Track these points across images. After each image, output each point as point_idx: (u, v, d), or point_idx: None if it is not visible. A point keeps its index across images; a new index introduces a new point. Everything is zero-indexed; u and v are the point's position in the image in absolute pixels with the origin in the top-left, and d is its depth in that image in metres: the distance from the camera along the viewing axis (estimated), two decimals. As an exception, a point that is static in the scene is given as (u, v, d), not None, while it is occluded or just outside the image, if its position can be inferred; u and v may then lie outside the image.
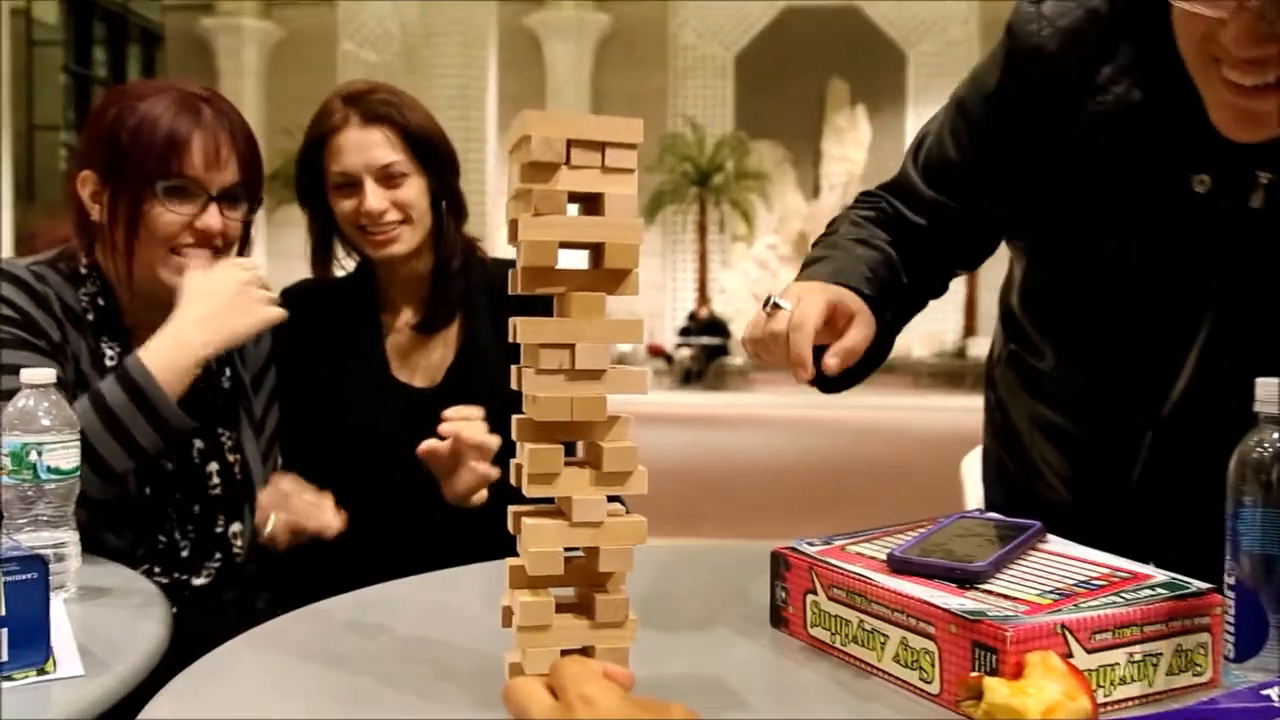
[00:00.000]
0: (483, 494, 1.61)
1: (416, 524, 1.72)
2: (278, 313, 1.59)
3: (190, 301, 1.55)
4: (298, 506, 1.63)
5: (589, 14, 28.93)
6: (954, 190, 1.38)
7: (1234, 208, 1.18)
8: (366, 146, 1.81)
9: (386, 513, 1.76)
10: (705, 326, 21.50)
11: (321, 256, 1.94)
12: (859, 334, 1.20)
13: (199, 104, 1.63)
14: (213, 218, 1.62)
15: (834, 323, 1.19)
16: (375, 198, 1.80)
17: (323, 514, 1.62)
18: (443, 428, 1.56)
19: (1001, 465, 1.59)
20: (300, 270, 2.00)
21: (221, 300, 1.55)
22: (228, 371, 1.77)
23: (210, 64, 29.01)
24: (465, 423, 1.56)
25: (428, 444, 1.58)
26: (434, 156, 1.86)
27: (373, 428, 1.83)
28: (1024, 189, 1.33)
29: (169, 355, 1.51)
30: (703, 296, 25.78)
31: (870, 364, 1.29)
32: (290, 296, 1.92)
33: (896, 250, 1.37)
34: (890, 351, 1.34)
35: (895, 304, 1.32)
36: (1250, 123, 1.11)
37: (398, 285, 1.92)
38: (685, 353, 20.98)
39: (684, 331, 22.39)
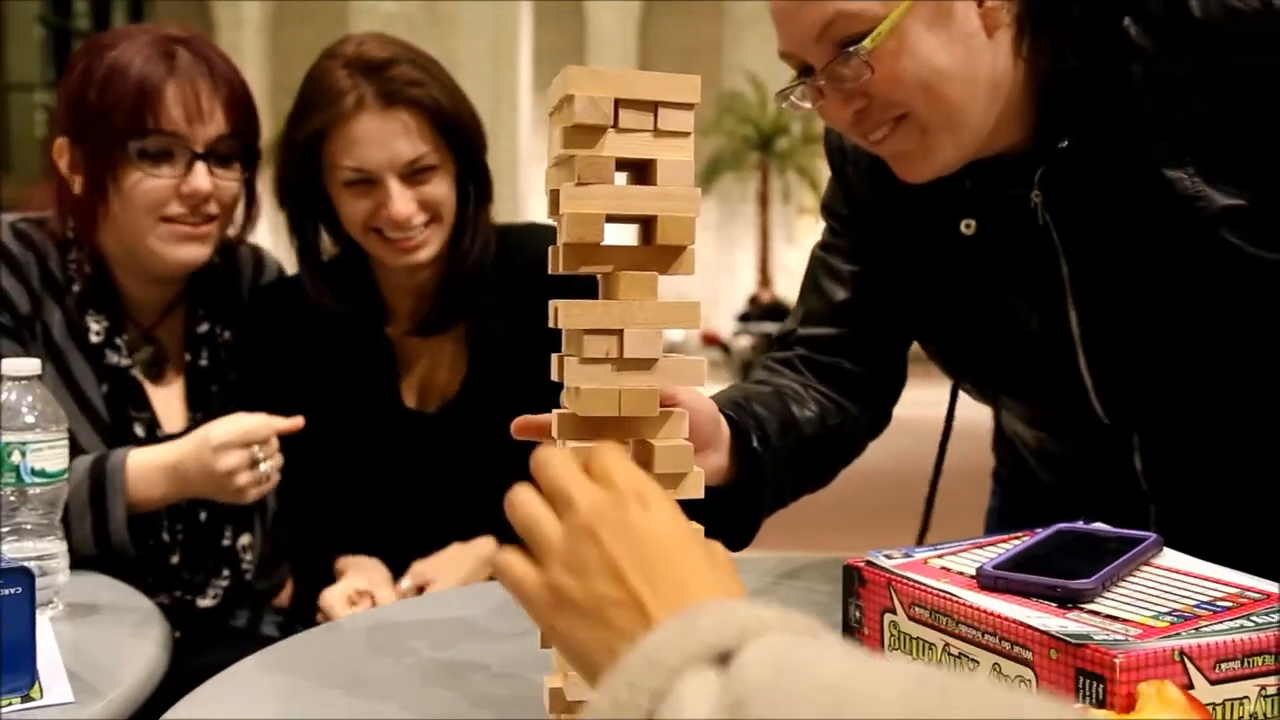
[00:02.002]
0: None
1: (423, 550, 1.74)
2: (260, 492, 1.52)
3: (190, 457, 1.49)
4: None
5: (635, -44, 28.92)
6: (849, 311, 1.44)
7: (1033, 232, 1.25)
8: (388, 138, 1.63)
9: (394, 539, 1.77)
10: (767, 312, 21.38)
11: (315, 267, 1.80)
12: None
13: (174, 47, 1.58)
14: (200, 179, 1.58)
15: None
16: (402, 200, 1.64)
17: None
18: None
19: (1000, 475, 1.65)
20: None
21: (206, 482, 1.49)
22: (234, 361, 1.78)
23: (206, 14, 29.22)
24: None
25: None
26: (467, 141, 1.72)
27: (383, 464, 1.79)
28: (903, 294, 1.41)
29: (150, 479, 1.50)
30: (764, 278, 25.71)
31: (754, 503, 1.30)
32: (276, 296, 1.85)
33: (810, 389, 1.41)
34: (775, 490, 1.32)
35: (785, 438, 1.32)
36: (905, 164, 1.21)
37: (401, 285, 1.80)
38: (744, 341, 20.88)
39: (743, 318, 22.31)
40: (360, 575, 1.70)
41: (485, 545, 1.70)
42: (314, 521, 1.80)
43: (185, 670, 1.13)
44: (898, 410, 1.50)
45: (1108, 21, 1.17)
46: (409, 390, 1.81)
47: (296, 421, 1.52)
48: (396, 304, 1.81)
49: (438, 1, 25.13)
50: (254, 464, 1.47)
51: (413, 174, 1.65)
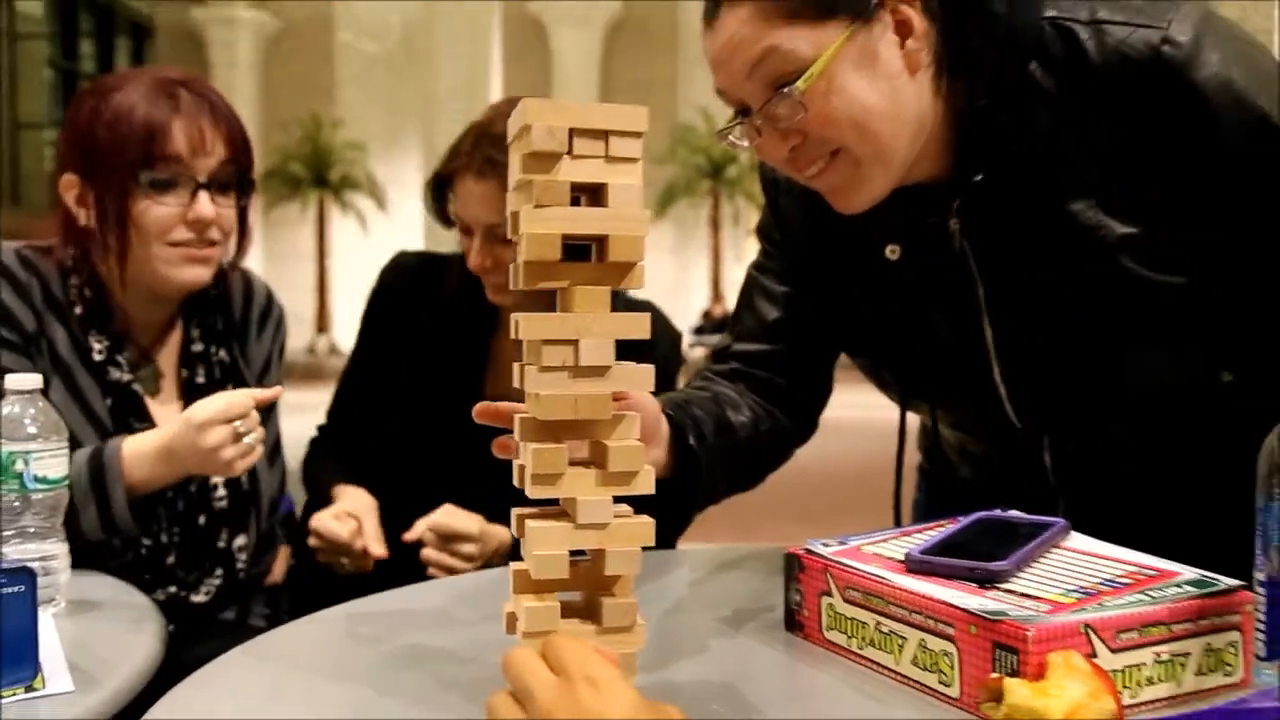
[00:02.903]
0: None
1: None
2: (247, 463, 1.49)
3: (179, 438, 1.46)
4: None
5: (597, 1, 28.91)
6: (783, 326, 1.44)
7: (951, 257, 1.26)
8: (479, 200, 1.77)
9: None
10: (719, 325, 21.41)
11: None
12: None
13: (176, 88, 1.60)
14: (204, 206, 1.59)
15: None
16: (480, 254, 1.78)
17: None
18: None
19: (926, 469, 1.66)
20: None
21: (195, 459, 1.46)
22: (232, 380, 1.77)
23: (203, 56, 29.02)
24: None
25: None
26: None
27: (448, 448, 1.79)
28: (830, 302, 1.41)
29: (145, 460, 1.48)
30: (716, 294, 25.75)
31: (689, 496, 1.31)
32: (401, 274, 1.95)
33: (745, 397, 1.41)
34: (709, 485, 1.33)
35: (720, 438, 1.33)
36: (839, 197, 1.22)
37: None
38: (699, 352, 20.91)
39: (698, 330, 22.35)
40: (350, 501, 1.76)
41: (502, 533, 1.73)
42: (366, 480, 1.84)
43: (179, 661, 1.12)
44: (834, 413, 1.51)
45: (1015, 65, 1.18)
46: (491, 384, 1.88)
47: (275, 391, 1.53)
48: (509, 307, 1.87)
49: (415, 43, 25.08)
50: (237, 438, 1.45)
51: (494, 236, 1.77)
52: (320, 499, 1.83)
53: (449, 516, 1.68)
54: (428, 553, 1.60)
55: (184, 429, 1.44)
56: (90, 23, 28.34)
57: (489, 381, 1.88)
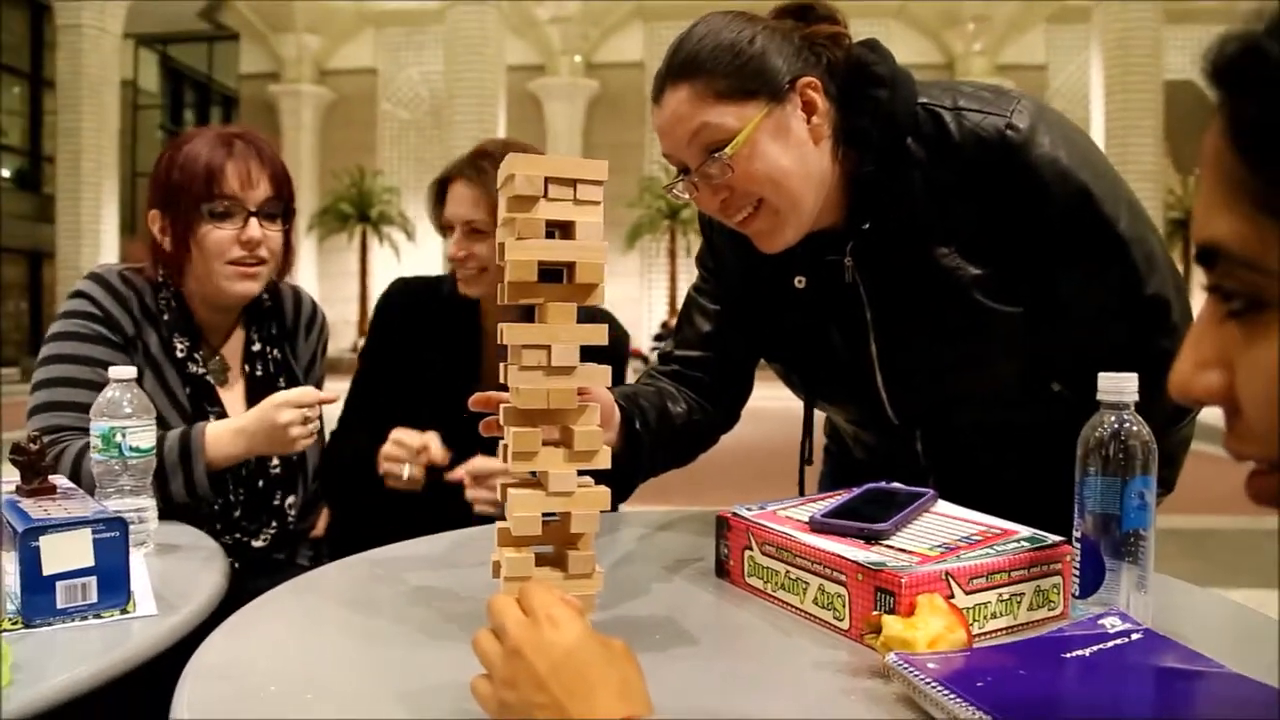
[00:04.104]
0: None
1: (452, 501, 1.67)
2: (306, 443, 1.49)
3: (254, 420, 1.47)
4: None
5: (581, 80, 28.94)
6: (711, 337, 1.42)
7: (845, 287, 1.26)
8: (463, 200, 1.75)
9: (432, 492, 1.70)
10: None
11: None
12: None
13: (232, 139, 1.60)
14: (254, 230, 1.59)
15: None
16: (458, 245, 1.75)
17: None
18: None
19: (830, 449, 1.64)
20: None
21: (266, 435, 1.46)
22: (284, 375, 1.74)
23: (274, 121, 28.90)
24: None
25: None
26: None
27: (451, 436, 1.67)
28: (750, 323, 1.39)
29: (223, 441, 1.47)
30: (673, 309, 25.76)
31: (633, 468, 1.29)
32: (400, 293, 1.88)
33: (682, 392, 1.39)
34: (649, 461, 1.31)
35: (660, 424, 1.32)
36: (763, 239, 1.20)
37: (493, 310, 1.82)
38: (657, 354, 20.94)
39: (658, 338, 22.37)
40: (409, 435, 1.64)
41: None
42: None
43: (241, 592, 1.10)
44: (767, 403, 1.49)
45: (895, 139, 1.18)
46: (487, 380, 1.82)
47: (331, 396, 1.52)
48: (495, 311, 1.82)
49: (440, 110, 24.99)
50: (305, 421, 1.47)
51: (471, 231, 1.74)
52: (351, 469, 1.72)
53: (483, 461, 1.59)
54: (471, 492, 1.52)
55: (262, 409, 1.45)
56: (192, 95, 28.55)
57: (485, 377, 1.84)
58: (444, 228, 1.81)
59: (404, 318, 1.85)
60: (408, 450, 1.53)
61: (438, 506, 1.55)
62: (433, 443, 1.54)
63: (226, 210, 1.58)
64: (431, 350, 1.82)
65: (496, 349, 1.79)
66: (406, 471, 1.52)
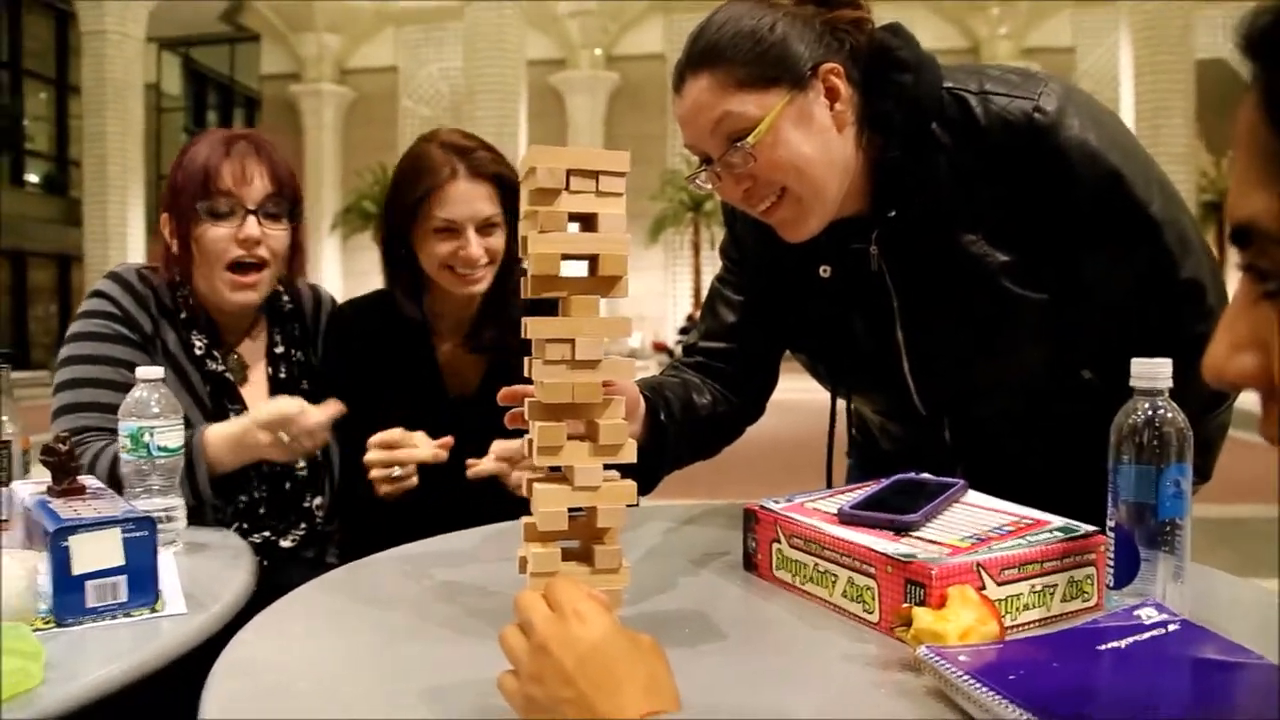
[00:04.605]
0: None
1: (453, 503, 1.61)
2: (303, 450, 1.46)
3: (242, 432, 1.44)
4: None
5: (601, 72, 28.94)
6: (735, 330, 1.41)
7: (871, 275, 1.24)
8: (473, 199, 1.65)
9: (428, 496, 1.68)
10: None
11: (402, 282, 1.75)
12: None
13: (234, 140, 1.61)
14: (251, 228, 1.58)
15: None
16: (475, 246, 1.65)
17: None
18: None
19: (856, 440, 1.62)
20: (372, 284, 1.92)
21: (253, 450, 1.45)
22: (306, 376, 1.75)
23: (297, 121, 29.11)
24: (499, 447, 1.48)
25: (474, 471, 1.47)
26: (517, 206, 1.69)
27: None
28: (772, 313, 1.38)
29: (223, 448, 1.45)
30: (698, 301, 25.72)
31: (659, 460, 1.28)
32: (348, 316, 1.83)
33: (707, 384, 1.38)
34: (675, 452, 1.30)
35: (685, 415, 1.31)
36: (787, 228, 1.19)
37: (451, 310, 1.76)
38: (682, 346, 20.96)
39: (683, 331, 22.38)
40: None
41: None
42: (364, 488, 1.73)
43: (270, 589, 1.11)
44: (794, 395, 1.49)
45: (920, 125, 1.17)
46: (449, 382, 1.78)
47: (333, 409, 1.45)
48: (443, 324, 1.78)
49: (460, 107, 25.03)
50: (283, 438, 1.42)
51: (485, 227, 1.67)
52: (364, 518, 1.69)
53: (504, 444, 1.55)
54: (515, 475, 1.49)
55: (248, 426, 1.44)
56: (215, 97, 28.77)
57: (449, 385, 1.78)
58: (438, 231, 1.67)
59: (357, 341, 1.79)
60: (386, 449, 1.49)
61: (457, 509, 1.53)
62: (417, 437, 1.49)
63: (223, 208, 1.58)
64: (387, 371, 1.77)
65: (448, 364, 1.77)
66: (396, 470, 1.50)
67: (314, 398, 1.64)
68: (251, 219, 1.58)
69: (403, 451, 1.47)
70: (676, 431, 1.28)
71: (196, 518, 1.40)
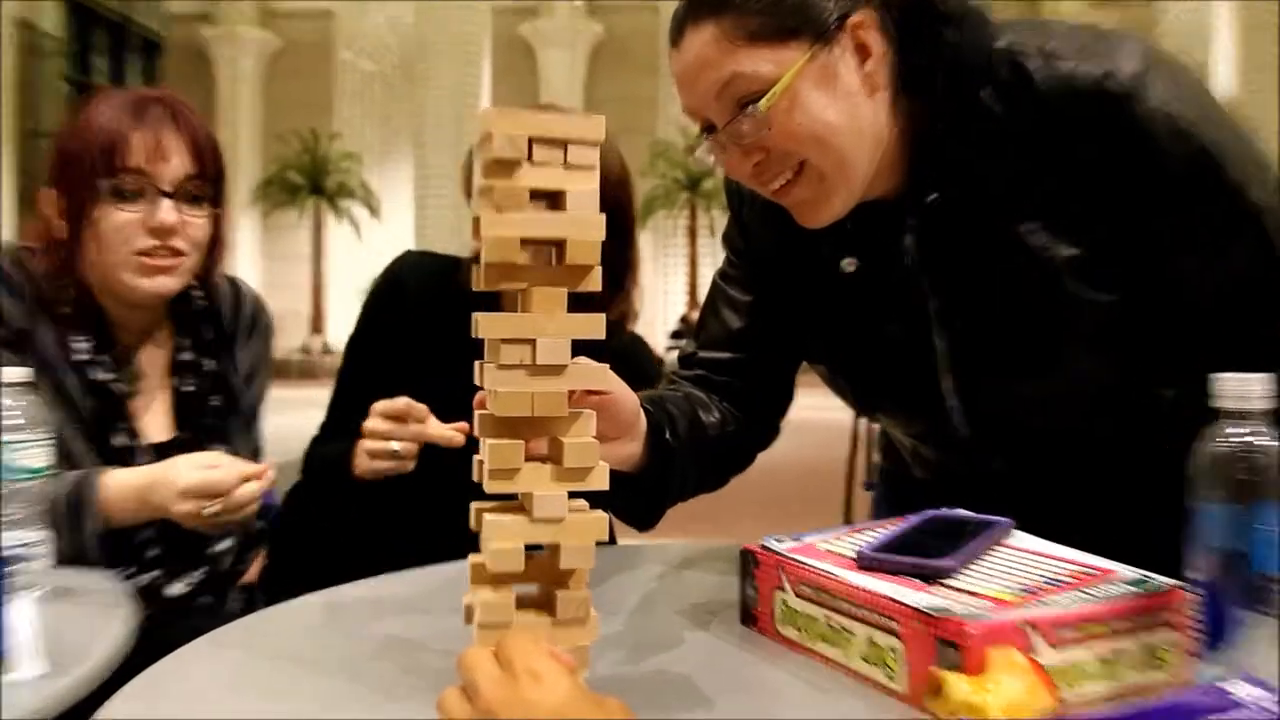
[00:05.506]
0: None
1: (434, 516, 1.61)
2: (224, 527, 1.47)
3: (161, 486, 1.43)
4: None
5: (582, 23, 29.07)
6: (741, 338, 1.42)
7: (904, 271, 1.25)
8: None
9: (415, 497, 1.69)
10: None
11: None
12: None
13: (146, 103, 1.58)
14: (165, 213, 1.55)
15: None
16: None
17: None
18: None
19: (884, 468, 1.63)
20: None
21: (172, 513, 1.43)
22: (220, 389, 1.74)
23: (207, 72, 29.11)
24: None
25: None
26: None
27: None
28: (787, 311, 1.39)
29: (126, 500, 1.44)
30: (694, 300, 25.85)
31: (664, 489, 1.28)
32: (412, 271, 1.86)
33: (712, 399, 1.39)
34: (681, 479, 1.30)
35: (692, 435, 1.31)
36: (806, 211, 1.20)
37: None
38: (676, 355, 20.99)
39: (675, 335, 22.44)
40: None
41: None
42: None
43: (151, 645, 1.09)
44: (807, 413, 1.49)
45: (967, 89, 1.17)
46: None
47: (262, 470, 1.46)
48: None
49: (411, 63, 25.10)
50: (212, 511, 1.42)
51: None
52: (336, 468, 1.68)
53: None
54: None
55: (166, 483, 1.42)
56: (104, 39, 28.48)
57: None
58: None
59: (415, 303, 1.82)
60: (391, 420, 1.50)
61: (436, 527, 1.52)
62: (419, 411, 1.50)
63: (135, 191, 1.56)
64: (444, 348, 1.79)
65: None
66: (396, 444, 1.49)
67: (225, 414, 1.63)
68: (167, 203, 1.56)
69: (413, 426, 1.47)
70: (684, 455, 1.28)
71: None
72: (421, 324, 1.80)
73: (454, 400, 1.60)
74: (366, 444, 1.49)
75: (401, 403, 1.49)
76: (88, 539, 1.42)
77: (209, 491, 1.41)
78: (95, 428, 1.59)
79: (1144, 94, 1.12)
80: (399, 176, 28.24)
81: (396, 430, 1.48)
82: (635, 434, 1.19)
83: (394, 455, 1.49)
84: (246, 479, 1.44)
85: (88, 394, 1.60)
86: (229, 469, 1.44)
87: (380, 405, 1.49)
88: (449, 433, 1.49)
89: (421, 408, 1.50)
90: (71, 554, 1.41)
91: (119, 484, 1.45)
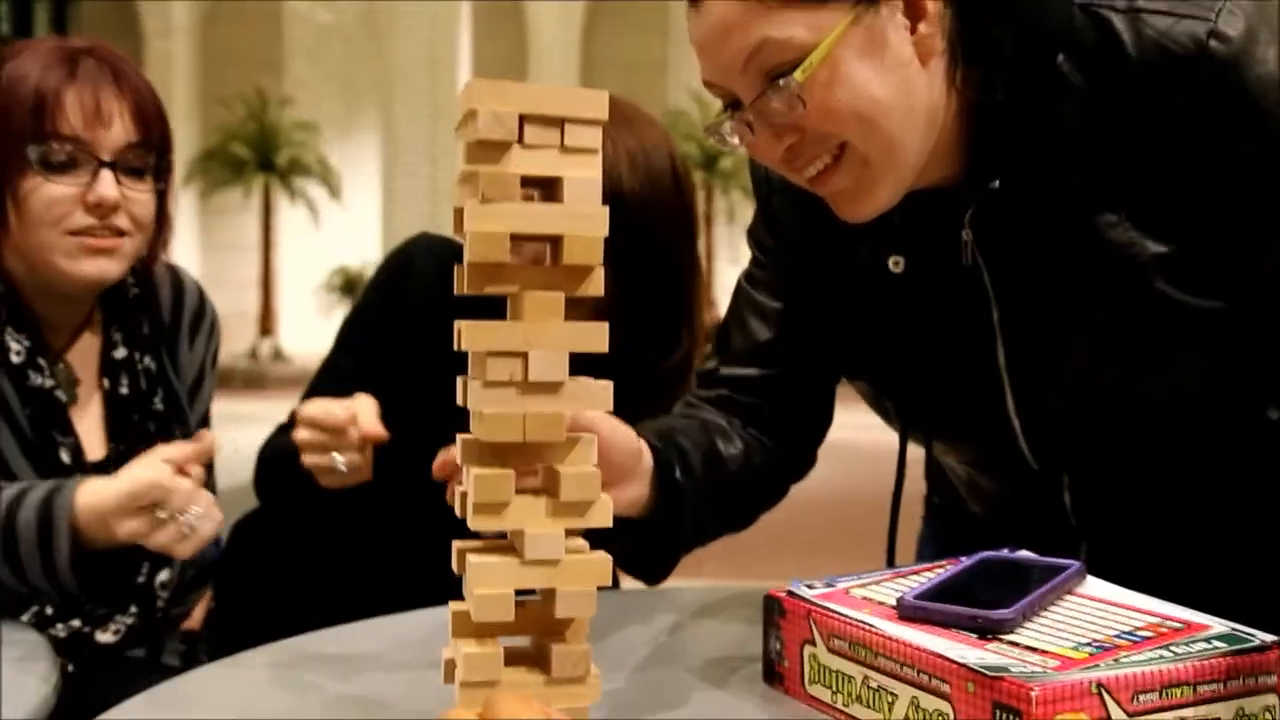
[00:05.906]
0: None
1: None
2: (189, 549, 1.39)
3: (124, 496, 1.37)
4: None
5: (578, -30, 29.03)
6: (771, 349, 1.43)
7: (962, 271, 1.25)
8: None
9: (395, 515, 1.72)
10: (711, 335, 21.41)
11: None
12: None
13: (77, 56, 1.56)
14: (106, 187, 1.54)
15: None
16: None
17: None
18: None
19: (932, 501, 1.65)
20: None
21: (122, 531, 1.37)
22: (160, 392, 1.74)
23: (133, 22, 29.02)
24: None
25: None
26: None
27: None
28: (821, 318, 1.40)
29: (98, 519, 1.38)
30: (708, 299, 25.80)
31: (673, 536, 1.30)
32: (427, 254, 1.87)
33: (735, 426, 1.41)
34: (696, 525, 1.32)
35: (709, 472, 1.32)
36: (847, 203, 1.19)
37: None
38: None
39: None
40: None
41: None
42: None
43: (75, 706, 1.10)
44: (838, 434, 1.49)
45: (1040, 56, 1.16)
46: None
47: (206, 444, 1.43)
48: None
49: (375, 11, 25.09)
50: (160, 520, 1.36)
51: None
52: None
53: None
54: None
55: (102, 513, 1.37)
56: (1, -21, 28.43)
57: None
58: None
59: (425, 290, 1.82)
60: (329, 430, 1.47)
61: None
62: (365, 410, 1.48)
63: (68, 160, 1.55)
64: (451, 345, 1.79)
65: None
66: (340, 461, 1.48)
67: (167, 421, 1.62)
68: (107, 175, 1.55)
69: (352, 433, 1.44)
70: (698, 495, 1.29)
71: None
72: (430, 315, 1.80)
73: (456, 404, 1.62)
74: (306, 459, 1.48)
75: (337, 411, 1.47)
76: (60, 565, 1.37)
77: (152, 488, 1.35)
78: (36, 439, 1.59)
79: (1252, 57, 1.11)
80: (363, 151, 28.25)
81: (333, 442, 1.47)
82: (635, 476, 1.20)
83: (340, 470, 1.48)
84: (190, 460, 1.38)
85: (26, 402, 1.59)
86: (157, 469, 1.37)
87: (310, 412, 1.46)
88: (377, 427, 1.47)
89: (355, 403, 1.47)
90: (43, 583, 1.39)
91: (94, 496, 1.38)
